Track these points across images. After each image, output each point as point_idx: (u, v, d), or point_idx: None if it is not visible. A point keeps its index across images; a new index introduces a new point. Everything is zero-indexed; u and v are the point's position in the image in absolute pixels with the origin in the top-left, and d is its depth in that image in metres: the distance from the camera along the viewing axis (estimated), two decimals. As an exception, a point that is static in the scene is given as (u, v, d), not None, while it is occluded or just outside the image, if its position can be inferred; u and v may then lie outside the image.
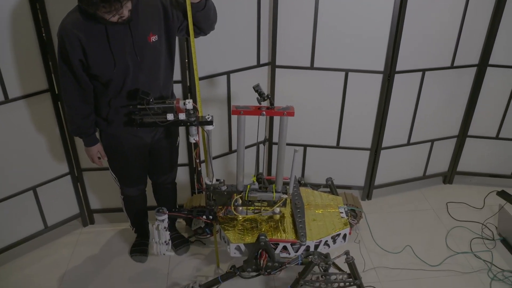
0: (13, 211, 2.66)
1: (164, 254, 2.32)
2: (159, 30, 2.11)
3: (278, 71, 2.93)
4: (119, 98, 2.15)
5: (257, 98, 2.11)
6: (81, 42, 1.96)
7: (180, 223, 3.02)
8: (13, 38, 2.29)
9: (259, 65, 2.88)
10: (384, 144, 3.17)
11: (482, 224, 3.11)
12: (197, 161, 2.30)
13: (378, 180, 3.34)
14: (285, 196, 2.30)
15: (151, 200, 2.76)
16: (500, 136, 3.34)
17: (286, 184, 2.31)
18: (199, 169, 2.36)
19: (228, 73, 2.79)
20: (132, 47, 2.04)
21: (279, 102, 2.92)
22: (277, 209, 2.41)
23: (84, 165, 2.83)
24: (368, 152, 3.21)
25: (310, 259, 2.21)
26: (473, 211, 3.26)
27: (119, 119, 2.22)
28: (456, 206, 3.31)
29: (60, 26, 1.98)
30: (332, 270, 2.35)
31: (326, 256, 2.33)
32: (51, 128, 2.63)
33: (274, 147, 3.19)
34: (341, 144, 3.19)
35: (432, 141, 3.32)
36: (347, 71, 2.89)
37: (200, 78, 2.67)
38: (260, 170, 3.00)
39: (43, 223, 2.85)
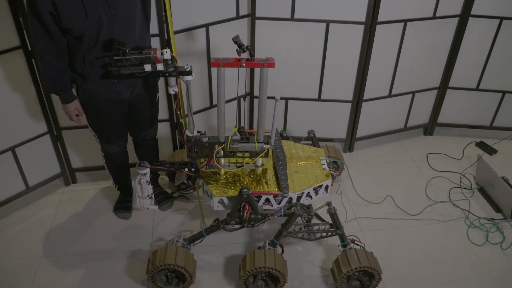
0: (-7, 172, 2.63)
1: (147, 208, 2.33)
2: None
3: (258, 22, 2.86)
4: (94, 52, 2.09)
5: (237, 50, 2.07)
6: (50, -7, 1.89)
7: (163, 179, 3.02)
8: (-22, -8, 2.19)
9: (238, 17, 2.82)
10: (365, 96, 3.17)
11: (461, 174, 3.18)
12: (178, 112, 2.28)
13: (360, 132, 3.36)
14: (267, 146, 2.29)
15: (133, 157, 2.74)
16: (480, 87, 3.36)
17: (268, 137, 2.31)
18: (180, 120, 2.32)
19: (207, 26, 2.73)
20: None
21: (259, 55, 2.86)
22: (259, 162, 2.42)
23: (63, 123, 2.78)
24: (349, 105, 3.21)
25: (292, 211, 2.24)
26: (453, 162, 3.32)
27: (95, 74, 2.16)
28: (436, 157, 3.37)
29: (28, -23, 1.90)
30: (314, 220, 2.39)
31: (309, 207, 2.37)
32: (27, 87, 2.56)
33: (255, 101, 3.17)
34: (322, 97, 3.18)
35: (413, 93, 3.33)
36: (328, 22, 2.84)
37: (178, 31, 2.61)
38: (242, 125, 2.99)
39: (24, 183, 2.82)
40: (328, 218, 2.33)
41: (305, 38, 2.92)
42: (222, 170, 2.39)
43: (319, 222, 2.39)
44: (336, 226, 2.30)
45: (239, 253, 2.56)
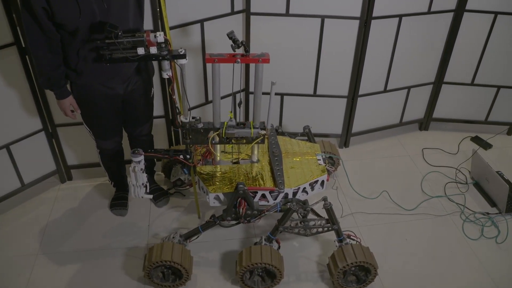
0: (-13, 170, 2.62)
1: (142, 197, 2.29)
2: None
3: (253, 18, 2.86)
4: (87, 47, 2.08)
5: (232, 45, 2.07)
6: (43, -11, 1.88)
7: (159, 175, 3.01)
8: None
9: (233, 12, 2.81)
10: (361, 92, 3.17)
11: (456, 168, 3.18)
12: (174, 97, 2.24)
13: (355, 128, 3.36)
14: (263, 132, 2.26)
15: (129, 154, 2.73)
16: (475, 82, 3.36)
17: (263, 123, 2.29)
18: (176, 105, 2.26)
19: (201, 21, 2.72)
20: None
21: (254, 50, 2.87)
22: (255, 158, 2.42)
23: (58, 120, 2.77)
24: (345, 100, 3.21)
25: (288, 206, 2.24)
26: (448, 157, 3.33)
27: (89, 69, 2.16)
28: (431, 152, 3.38)
29: (21, -28, 1.89)
30: (310, 216, 2.40)
31: (304, 202, 2.37)
32: (21, 84, 2.54)
33: (251, 97, 3.17)
34: (318, 92, 3.18)
35: (409, 88, 3.33)
36: (323, 17, 2.84)
37: (173, 27, 2.60)
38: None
39: (19, 181, 2.80)
40: (324, 214, 2.33)
41: (300, 34, 2.91)
42: (218, 166, 2.39)
43: (315, 217, 2.39)
44: (332, 221, 2.30)
45: (236, 249, 2.56)
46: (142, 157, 2.19)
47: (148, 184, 2.30)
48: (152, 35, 1.97)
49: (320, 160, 2.48)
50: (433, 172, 3.17)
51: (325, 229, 2.33)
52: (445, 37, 3.16)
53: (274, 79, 2.09)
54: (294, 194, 2.33)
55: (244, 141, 2.29)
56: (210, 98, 3.04)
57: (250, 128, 2.26)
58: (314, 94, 3.19)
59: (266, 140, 2.39)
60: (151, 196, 2.39)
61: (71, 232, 2.67)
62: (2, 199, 2.75)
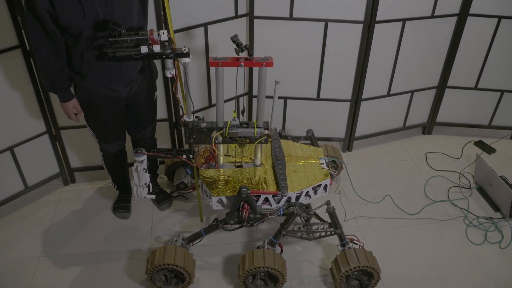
0: (-9, 172, 2.63)
1: (144, 197, 2.29)
2: None
3: (256, 22, 2.86)
4: (91, 50, 2.08)
5: (235, 49, 2.07)
6: (47, -9, 1.88)
7: (162, 178, 3.02)
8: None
9: (237, 16, 2.82)
10: (364, 96, 3.17)
11: (460, 173, 3.18)
12: (177, 96, 2.23)
13: (359, 132, 3.36)
14: (267, 131, 2.25)
15: (132, 156, 2.73)
16: (478, 86, 3.36)
17: (267, 122, 2.28)
18: (180, 104, 2.25)
19: (205, 25, 2.72)
20: None
21: (258, 54, 2.86)
22: (258, 162, 2.42)
23: (62, 123, 2.78)
24: (348, 104, 3.21)
25: (291, 210, 2.24)
26: (451, 161, 3.32)
27: (93, 72, 2.16)
28: (434, 156, 3.37)
29: (26, -24, 1.89)
30: (313, 220, 2.40)
31: (308, 206, 2.37)
32: (25, 86, 2.55)
33: (254, 100, 3.17)
34: (321, 96, 3.18)
35: (412, 92, 3.33)
36: (326, 21, 2.84)
37: (177, 31, 2.60)
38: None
39: (23, 183, 2.81)
40: (327, 218, 2.33)
41: (304, 37, 2.91)
42: (221, 170, 2.39)
43: (318, 221, 2.39)
44: (335, 225, 2.30)
45: (238, 252, 2.56)
46: (144, 157, 2.18)
47: (150, 184, 2.30)
48: (155, 33, 1.96)
49: (323, 164, 2.48)
50: (436, 176, 3.16)
51: (328, 233, 2.33)
52: (449, 41, 3.16)
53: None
54: (297, 198, 2.33)
55: (247, 140, 2.28)
56: (213, 101, 3.05)
57: (254, 127, 2.25)
58: (318, 98, 3.19)
59: (269, 144, 2.38)
60: (153, 196, 2.38)
61: (74, 234, 2.68)
62: (6, 201, 2.75)
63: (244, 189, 2.21)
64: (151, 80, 2.45)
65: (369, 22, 2.84)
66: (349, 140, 3.38)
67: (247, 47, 2.07)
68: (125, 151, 2.66)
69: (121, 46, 1.95)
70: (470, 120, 3.55)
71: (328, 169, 2.46)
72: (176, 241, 2.35)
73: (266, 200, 2.32)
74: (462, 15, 3.04)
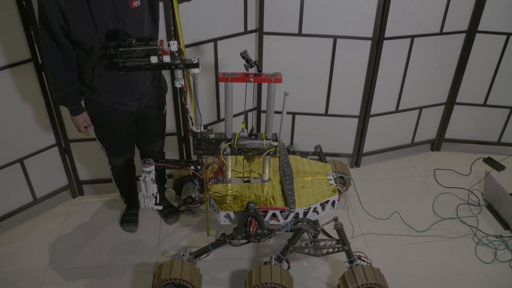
0: (1, 184, 2.64)
1: (152, 208, 2.29)
2: None
3: (265, 38, 2.88)
4: (102, 65, 2.11)
5: (245, 65, 2.08)
6: (60, 7, 1.92)
7: (170, 192, 3.02)
8: (-8, 8, 2.23)
9: (246, 31, 2.84)
10: (372, 112, 3.17)
11: (469, 190, 3.15)
12: (187, 107, 2.21)
13: (367, 148, 3.35)
14: (275, 143, 2.25)
15: (140, 170, 2.74)
16: (487, 103, 3.35)
17: (276, 134, 2.28)
18: (189, 115, 2.23)
19: (215, 40, 2.75)
20: (114, 12, 1.99)
21: (267, 70, 2.89)
22: (266, 177, 2.42)
23: (71, 136, 2.80)
24: (356, 120, 3.21)
25: (299, 226, 2.23)
26: (460, 178, 3.30)
27: (103, 86, 2.19)
28: (443, 173, 3.35)
29: (40, -8, 1.93)
30: (321, 236, 2.39)
31: (315, 222, 2.36)
32: (37, 99, 2.58)
33: (263, 116, 3.18)
34: (329, 112, 3.18)
35: (420, 108, 3.33)
36: (335, 38, 2.86)
37: (187, 46, 2.63)
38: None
39: (32, 195, 2.83)
40: (334, 234, 2.32)
41: (313, 54, 2.93)
42: (229, 185, 2.39)
43: (326, 237, 2.38)
44: (342, 242, 2.29)
45: (245, 268, 2.55)
46: (152, 167, 2.19)
47: (158, 195, 2.31)
48: (165, 43, 1.97)
49: (331, 180, 2.47)
50: (445, 193, 3.14)
51: (336, 249, 2.31)
52: (457, 58, 3.16)
53: (286, 98, 2.10)
54: (305, 214, 2.32)
55: (256, 152, 2.28)
56: (222, 116, 3.06)
57: (262, 139, 2.25)
58: (326, 114, 3.19)
59: (277, 159, 2.38)
60: (160, 207, 2.38)
61: (81, 247, 2.68)
62: (14, 213, 2.77)
63: (252, 205, 2.21)
64: (161, 94, 2.47)
65: (378, 39, 2.85)
66: (357, 156, 3.38)
67: (257, 63, 2.09)
68: (133, 164, 2.68)
69: (131, 56, 1.96)
70: (479, 137, 3.53)
71: (336, 185, 2.45)
72: (183, 255, 2.35)
73: (274, 215, 2.31)
74: (471, 32, 3.04)
